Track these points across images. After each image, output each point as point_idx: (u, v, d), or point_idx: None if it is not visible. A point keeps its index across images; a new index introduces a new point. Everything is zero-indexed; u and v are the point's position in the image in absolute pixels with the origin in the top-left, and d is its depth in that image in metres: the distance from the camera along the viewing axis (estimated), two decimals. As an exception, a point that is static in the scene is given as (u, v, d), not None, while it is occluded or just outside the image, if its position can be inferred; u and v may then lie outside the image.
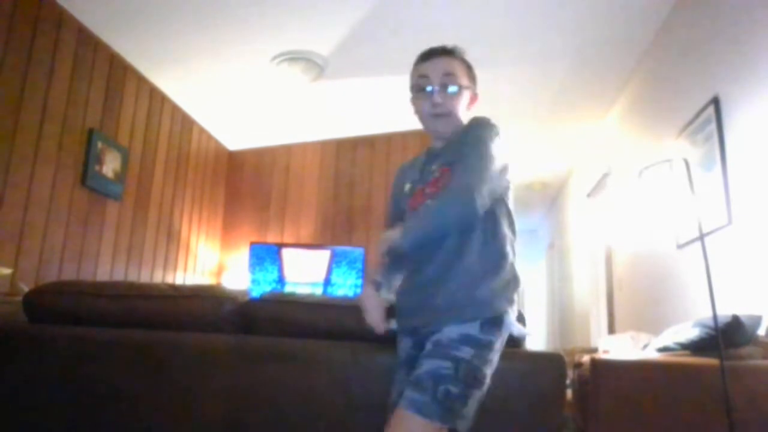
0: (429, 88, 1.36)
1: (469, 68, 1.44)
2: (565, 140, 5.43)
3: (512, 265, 1.30)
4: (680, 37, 3.14)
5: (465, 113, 1.40)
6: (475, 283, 1.23)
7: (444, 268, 1.26)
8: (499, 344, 1.22)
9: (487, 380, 1.19)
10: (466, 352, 1.16)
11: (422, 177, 1.40)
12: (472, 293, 1.23)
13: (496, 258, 1.27)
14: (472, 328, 1.19)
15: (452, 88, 1.36)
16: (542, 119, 4.89)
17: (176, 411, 1.53)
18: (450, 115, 1.37)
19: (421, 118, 1.41)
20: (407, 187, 1.45)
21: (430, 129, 1.41)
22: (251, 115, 4.91)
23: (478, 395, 1.17)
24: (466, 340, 1.18)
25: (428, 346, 1.20)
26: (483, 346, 1.19)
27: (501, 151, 1.28)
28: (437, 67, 1.37)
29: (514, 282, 1.28)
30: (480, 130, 1.30)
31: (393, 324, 1.35)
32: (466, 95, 1.40)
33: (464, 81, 1.40)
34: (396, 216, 1.48)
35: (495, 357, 1.21)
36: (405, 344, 1.34)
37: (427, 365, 1.16)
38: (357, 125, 5.20)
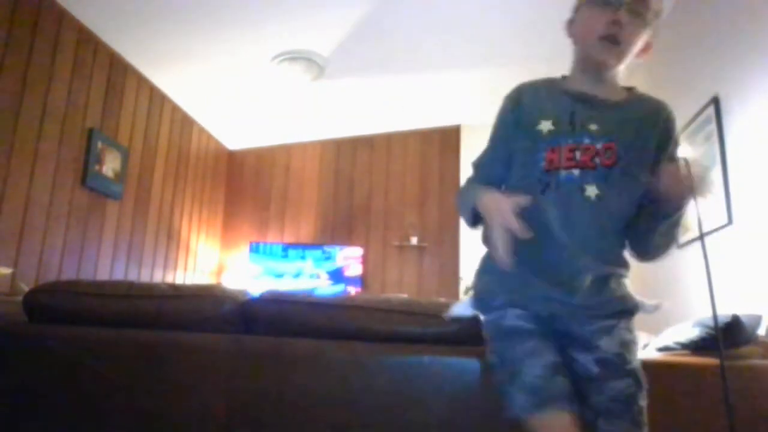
0: (615, 2, 1.07)
1: (660, 7, 1.14)
2: (565, 140, 5.42)
3: None
4: (680, 36, 3.14)
5: (633, 59, 1.14)
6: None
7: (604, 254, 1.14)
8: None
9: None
10: (634, 362, 1.09)
11: (573, 129, 1.12)
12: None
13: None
14: (624, 333, 1.11)
15: (641, 16, 1.08)
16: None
17: (176, 411, 1.53)
18: (625, 46, 1.09)
19: (584, 36, 1.14)
20: (545, 126, 1.13)
21: (593, 54, 1.12)
22: (251, 115, 4.91)
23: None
24: (628, 348, 1.10)
25: (593, 366, 1.07)
26: (635, 345, 1.12)
27: None
28: None
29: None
30: (676, 134, 1.17)
31: (467, 308, 1.22)
32: (646, 35, 1.12)
33: (653, 15, 1.11)
34: (505, 151, 1.19)
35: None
36: (525, 317, 1.12)
37: (610, 390, 1.05)
38: (357, 125, 5.20)
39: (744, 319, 1.75)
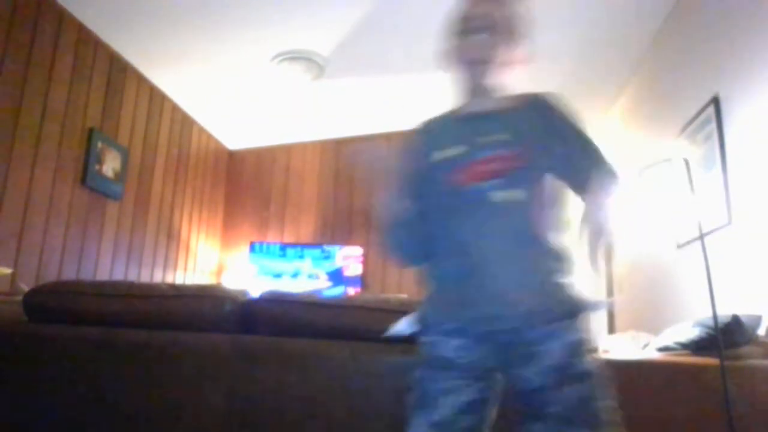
0: (475, 29, 1.17)
1: (522, 20, 1.24)
2: (565, 140, 5.42)
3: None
4: (680, 36, 3.14)
5: (509, 71, 1.21)
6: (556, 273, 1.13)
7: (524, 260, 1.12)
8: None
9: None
10: (584, 364, 1.07)
11: (473, 146, 1.15)
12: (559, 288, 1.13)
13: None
14: (571, 335, 1.09)
15: (500, 35, 1.18)
16: (542, 119, 4.89)
17: (176, 410, 1.53)
18: (494, 64, 1.18)
19: (458, 63, 1.21)
20: (444, 153, 1.18)
21: (469, 78, 1.21)
22: (251, 114, 4.91)
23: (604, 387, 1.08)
24: (576, 351, 1.08)
25: (541, 377, 1.06)
26: (584, 345, 1.10)
27: None
28: (486, 8, 1.19)
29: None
30: (574, 120, 1.17)
31: (408, 327, 1.21)
32: (514, 48, 1.21)
33: (515, 30, 1.20)
34: (414, 186, 1.20)
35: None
36: (466, 347, 1.11)
37: (564, 398, 1.04)
38: (357, 125, 5.19)
39: (744, 319, 1.75)
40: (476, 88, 1.22)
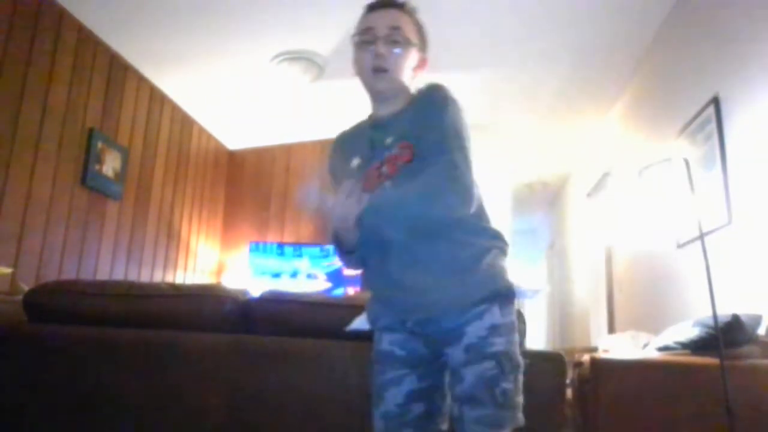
0: (370, 40, 1.23)
1: (420, 28, 1.29)
2: (566, 140, 5.43)
3: (489, 224, 1.21)
4: (680, 37, 3.14)
5: (411, 76, 1.26)
6: (474, 263, 1.14)
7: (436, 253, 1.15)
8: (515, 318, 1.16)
9: (521, 358, 1.13)
10: (500, 345, 1.09)
11: (375, 152, 1.23)
12: (474, 276, 1.14)
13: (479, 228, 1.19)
14: (493, 317, 1.10)
15: (398, 43, 1.23)
16: (542, 119, 4.89)
17: (176, 410, 1.53)
18: (393, 71, 1.23)
19: (360, 73, 1.27)
20: (355, 162, 1.27)
21: (370, 86, 1.27)
22: (251, 114, 4.91)
23: (521, 378, 1.11)
24: (494, 331, 1.10)
25: (459, 354, 1.10)
26: (508, 329, 1.13)
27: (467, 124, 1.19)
28: (384, 19, 1.24)
29: (502, 242, 1.20)
30: (450, 107, 1.18)
31: (364, 323, 1.26)
32: (413, 55, 1.26)
33: (413, 37, 1.26)
34: None
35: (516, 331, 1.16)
36: (399, 341, 1.18)
37: (471, 375, 1.08)
38: (357, 125, 5.20)
39: (744, 319, 1.75)
40: (379, 94, 1.28)
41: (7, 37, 2.91)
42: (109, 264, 3.78)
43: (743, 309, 1.87)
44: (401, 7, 1.27)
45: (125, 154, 3.89)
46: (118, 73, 3.84)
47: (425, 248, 1.14)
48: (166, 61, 3.97)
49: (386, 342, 1.20)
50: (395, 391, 1.15)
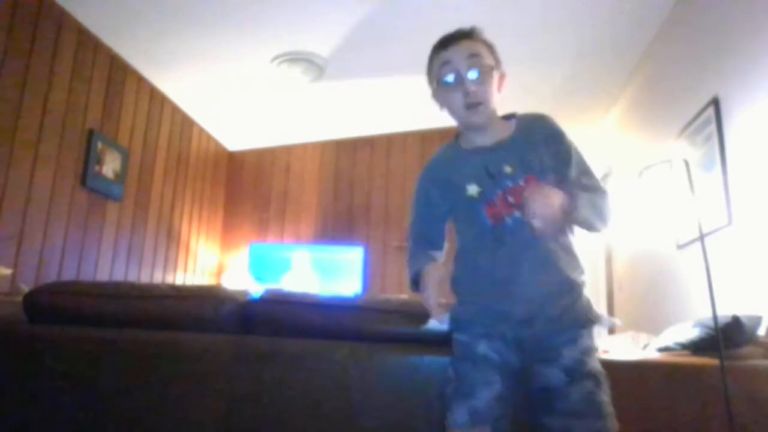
0: (454, 77, 1.26)
1: (491, 47, 1.32)
2: (565, 140, 5.42)
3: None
4: (680, 37, 3.14)
5: (496, 96, 1.30)
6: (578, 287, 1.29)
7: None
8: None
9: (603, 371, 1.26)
10: (592, 364, 1.24)
11: (494, 179, 1.26)
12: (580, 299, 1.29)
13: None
14: (585, 341, 1.26)
15: (480, 71, 1.26)
16: (542, 120, 4.89)
17: (176, 411, 1.53)
18: (485, 103, 1.26)
19: (453, 112, 1.30)
20: (473, 189, 1.28)
21: (466, 122, 1.30)
22: (251, 115, 4.91)
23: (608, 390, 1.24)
24: (588, 354, 1.24)
25: (559, 375, 1.21)
26: (595, 350, 1.29)
27: None
28: (459, 51, 1.27)
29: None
30: (568, 141, 1.30)
31: (441, 325, 1.30)
32: (495, 77, 1.29)
33: (490, 60, 1.29)
34: (431, 226, 1.39)
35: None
36: (497, 348, 1.26)
37: (576, 393, 1.20)
38: (357, 126, 5.20)
39: (744, 320, 1.75)
40: (476, 126, 1.31)
41: (7, 38, 2.92)
42: (109, 265, 3.78)
43: (743, 310, 1.86)
44: (470, 35, 1.32)
45: (125, 155, 3.89)
46: (118, 73, 3.84)
47: (546, 275, 1.25)
48: (166, 62, 3.97)
49: (483, 346, 1.27)
50: (486, 391, 1.23)
